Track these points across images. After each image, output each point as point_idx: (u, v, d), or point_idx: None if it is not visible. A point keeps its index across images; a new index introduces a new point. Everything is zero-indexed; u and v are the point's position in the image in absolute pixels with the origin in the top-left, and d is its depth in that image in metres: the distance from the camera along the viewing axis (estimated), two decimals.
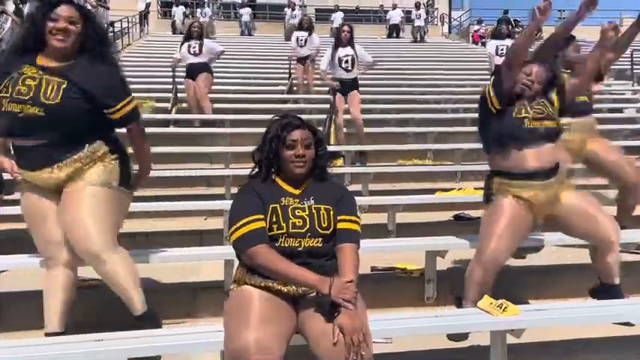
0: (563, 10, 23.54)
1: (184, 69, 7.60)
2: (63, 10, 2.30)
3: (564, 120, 2.98)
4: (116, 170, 2.41)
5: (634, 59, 11.19)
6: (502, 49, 8.30)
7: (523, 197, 2.67)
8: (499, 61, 8.38)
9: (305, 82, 9.05)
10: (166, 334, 2.24)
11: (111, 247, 2.36)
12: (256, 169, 2.15)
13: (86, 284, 2.86)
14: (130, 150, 2.56)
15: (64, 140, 2.31)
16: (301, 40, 8.90)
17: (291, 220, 2.01)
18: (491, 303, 2.35)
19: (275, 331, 1.84)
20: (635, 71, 11.38)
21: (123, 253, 2.42)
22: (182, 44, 7.56)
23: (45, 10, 2.31)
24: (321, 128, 6.41)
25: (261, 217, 2.01)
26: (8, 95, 2.26)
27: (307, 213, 2.04)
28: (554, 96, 2.81)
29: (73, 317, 2.46)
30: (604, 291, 2.83)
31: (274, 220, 2.01)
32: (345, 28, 6.66)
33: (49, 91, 2.25)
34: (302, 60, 8.96)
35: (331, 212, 2.06)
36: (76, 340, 2.08)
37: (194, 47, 7.37)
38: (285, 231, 2.01)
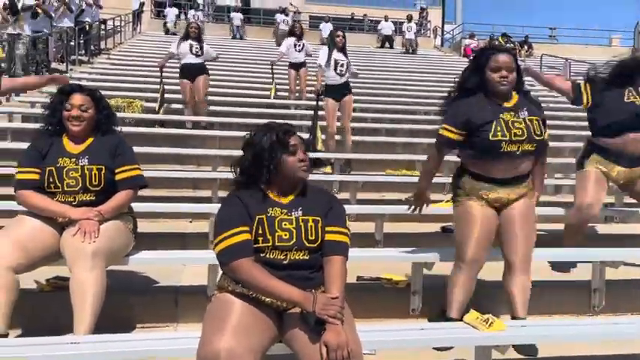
0: (554, 28, 23.93)
1: (178, 67, 7.57)
2: None
3: None
4: None
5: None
6: None
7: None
8: None
9: (297, 87, 9.07)
10: (145, 339, 2.18)
11: None
12: (241, 178, 2.09)
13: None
14: None
15: None
16: (298, 45, 8.92)
17: (277, 233, 1.97)
18: (477, 317, 2.33)
19: (250, 341, 1.80)
20: None
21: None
22: (181, 41, 7.53)
23: None
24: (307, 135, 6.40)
25: (246, 228, 1.97)
26: None
27: (294, 225, 1.99)
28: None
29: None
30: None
31: (260, 232, 1.97)
32: (340, 33, 6.70)
33: None
34: (295, 66, 8.99)
35: (319, 224, 2.02)
36: (52, 342, 2.02)
37: (197, 48, 7.41)
38: (270, 244, 1.96)
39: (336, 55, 6.47)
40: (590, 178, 3.61)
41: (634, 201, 4.94)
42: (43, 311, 2.78)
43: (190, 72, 7.39)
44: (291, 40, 9.06)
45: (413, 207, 2.87)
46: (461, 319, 2.66)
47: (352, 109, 6.69)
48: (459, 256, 2.75)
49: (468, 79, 2.71)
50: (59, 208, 2.54)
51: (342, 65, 6.45)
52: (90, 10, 12.06)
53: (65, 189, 2.56)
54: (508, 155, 2.60)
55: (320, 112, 6.77)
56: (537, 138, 2.62)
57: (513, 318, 2.70)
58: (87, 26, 11.57)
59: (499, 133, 2.57)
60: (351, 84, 7.07)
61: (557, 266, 3.79)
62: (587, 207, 3.57)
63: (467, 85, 2.71)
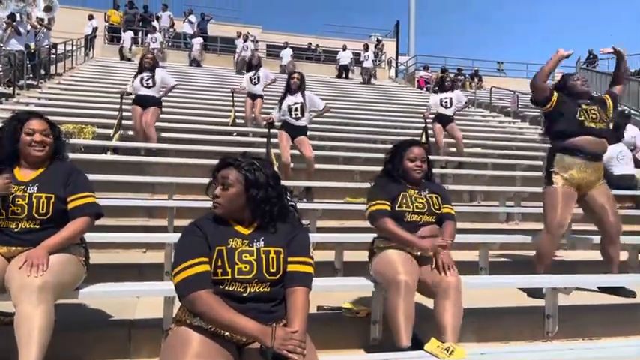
0: (502, 62, 25.08)
1: (132, 98, 7.43)
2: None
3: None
4: None
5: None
6: (446, 101, 8.74)
7: None
8: (443, 111, 8.78)
9: (252, 115, 9.13)
10: None
11: None
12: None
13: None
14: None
15: None
16: (254, 79, 9.14)
17: (237, 266, 1.93)
18: (438, 346, 2.34)
19: None
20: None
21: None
22: (135, 77, 7.37)
23: None
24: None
25: (205, 259, 1.92)
26: None
27: (255, 257, 1.95)
28: None
29: None
30: None
31: (219, 263, 1.93)
32: (295, 75, 6.55)
33: None
34: (252, 96, 9.12)
35: (281, 255, 1.99)
36: None
37: (147, 79, 7.20)
38: (230, 277, 1.92)
39: (289, 99, 6.36)
40: (558, 195, 3.78)
41: (582, 227, 5.14)
42: None
43: (142, 102, 7.27)
44: (249, 75, 9.30)
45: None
46: (415, 347, 2.68)
47: (309, 143, 6.60)
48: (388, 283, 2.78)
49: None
50: None
51: (296, 110, 6.36)
52: (32, 32, 11.69)
53: (9, 216, 2.47)
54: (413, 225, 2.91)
55: (273, 140, 6.77)
56: (436, 211, 2.98)
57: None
58: (32, 49, 11.21)
59: (404, 205, 2.94)
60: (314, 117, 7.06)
61: (530, 292, 3.84)
62: (557, 227, 3.77)
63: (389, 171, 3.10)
